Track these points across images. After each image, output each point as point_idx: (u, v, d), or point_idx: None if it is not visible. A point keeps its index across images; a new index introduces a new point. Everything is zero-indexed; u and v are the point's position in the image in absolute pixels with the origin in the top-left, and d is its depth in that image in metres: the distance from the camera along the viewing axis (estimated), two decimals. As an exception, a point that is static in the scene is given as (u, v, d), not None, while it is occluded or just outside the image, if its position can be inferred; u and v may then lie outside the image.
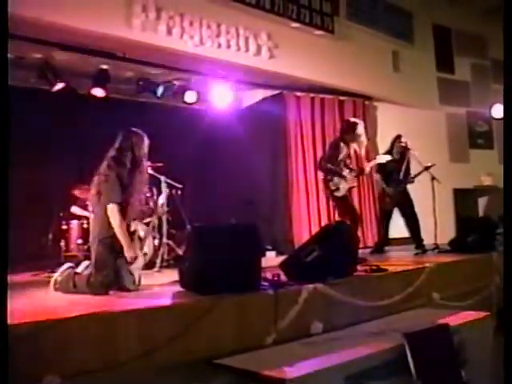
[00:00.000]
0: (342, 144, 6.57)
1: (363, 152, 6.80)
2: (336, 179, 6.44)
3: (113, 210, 4.24)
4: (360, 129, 6.61)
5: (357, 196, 9.10)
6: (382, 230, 7.60)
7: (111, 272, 4.23)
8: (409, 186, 7.36)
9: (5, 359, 2.38)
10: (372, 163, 7.01)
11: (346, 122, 7.09)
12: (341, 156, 6.49)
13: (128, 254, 4.29)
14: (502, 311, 3.46)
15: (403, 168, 7.25)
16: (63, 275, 4.48)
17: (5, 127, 2.71)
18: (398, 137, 7.37)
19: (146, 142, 4.56)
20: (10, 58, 6.48)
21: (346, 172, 6.48)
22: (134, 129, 4.56)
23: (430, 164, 7.10)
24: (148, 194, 6.90)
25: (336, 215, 6.94)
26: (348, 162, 6.61)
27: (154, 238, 6.54)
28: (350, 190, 6.63)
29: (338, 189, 6.46)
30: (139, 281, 4.45)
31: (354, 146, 6.61)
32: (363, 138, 6.66)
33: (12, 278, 5.75)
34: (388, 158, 7.05)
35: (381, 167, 7.36)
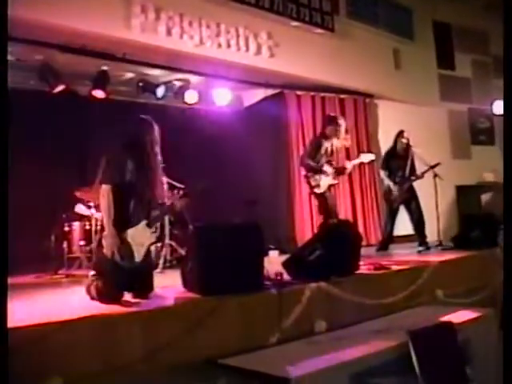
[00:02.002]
0: (322, 139, 6.65)
1: (340, 144, 6.81)
2: (317, 176, 6.52)
3: (104, 190, 3.93)
4: (340, 123, 6.66)
5: (359, 193, 9.10)
6: (387, 228, 7.55)
7: (117, 277, 3.89)
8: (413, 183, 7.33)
9: (5, 363, 2.37)
10: (354, 162, 7.07)
11: (326, 117, 7.22)
12: (322, 151, 6.56)
13: (105, 241, 3.94)
14: (503, 307, 3.44)
15: (408, 164, 7.23)
16: (87, 283, 4.14)
17: (5, 130, 2.70)
18: (401, 132, 7.34)
19: (156, 128, 4.37)
20: (11, 60, 6.49)
21: (326, 168, 6.55)
22: (143, 116, 4.38)
23: (435, 163, 7.07)
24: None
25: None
26: (330, 158, 6.68)
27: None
28: (330, 187, 6.66)
29: (318, 185, 6.54)
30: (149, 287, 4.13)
31: (334, 141, 6.67)
32: (342, 133, 6.70)
33: (15, 280, 5.77)
34: (372, 157, 7.16)
35: (385, 164, 7.36)
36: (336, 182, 6.79)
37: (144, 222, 4.08)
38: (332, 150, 6.71)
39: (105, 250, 3.95)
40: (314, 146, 6.72)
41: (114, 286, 3.88)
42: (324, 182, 6.54)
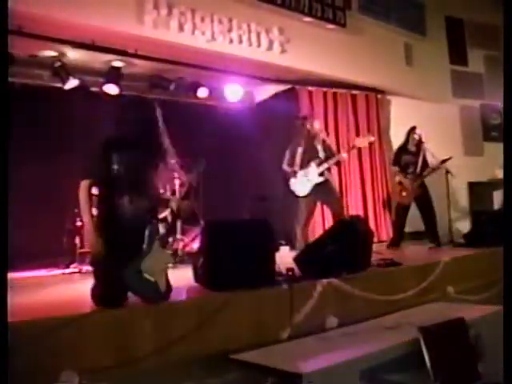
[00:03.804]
0: (296, 140, 6.56)
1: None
2: (292, 179, 6.44)
3: (81, 186, 3.61)
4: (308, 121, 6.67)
5: (370, 189, 9.07)
6: (399, 225, 7.52)
7: (114, 280, 3.33)
8: (425, 180, 7.29)
9: (4, 358, 2.39)
10: (349, 149, 6.92)
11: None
12: (299, 152, 6.44)
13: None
14: (504, 305, 3.43)
15: (420, 161, 7.20)
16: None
17: (5, 124, 2.71)
18: (413, 128, 7.33)
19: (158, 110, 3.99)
20: (24, 56, 6.54)
21: (306, 170, 6.37)
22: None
23: (447, 157, 7.03)
24: (161, 191, 6.90)
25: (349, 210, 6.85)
26: (313, 156, 6.44)
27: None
28: (316, 187, 6.39)
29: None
30: (166, 287, 3.52)
31: (316, 136, 6.54)
32: (316, 129, 6.65)
33: (27, 275, 5.83)
34: (370, 139, 6.94)
35: (397, 160, 7.33)
36: (322, 179, 6.38)
37: (157, 244, 3.49)
38: (314, 147, 6.49)
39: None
40: (290, 149, 6.60)
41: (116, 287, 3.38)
42: (305, 183, 6.36)
